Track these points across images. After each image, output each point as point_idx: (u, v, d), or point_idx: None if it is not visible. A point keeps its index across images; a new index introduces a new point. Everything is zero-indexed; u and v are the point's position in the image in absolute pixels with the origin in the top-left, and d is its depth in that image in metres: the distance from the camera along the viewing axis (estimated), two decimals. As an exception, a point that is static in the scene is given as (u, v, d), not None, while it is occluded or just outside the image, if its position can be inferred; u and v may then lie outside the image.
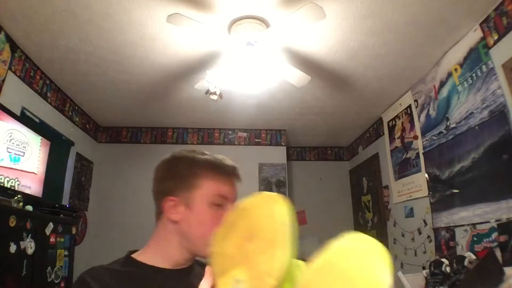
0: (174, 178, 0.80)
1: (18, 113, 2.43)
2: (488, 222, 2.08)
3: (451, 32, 2.33)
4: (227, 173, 0.80)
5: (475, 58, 2.26)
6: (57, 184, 3.09)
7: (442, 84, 2.64)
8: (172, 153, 0.83)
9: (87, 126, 3.76)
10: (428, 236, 2.80)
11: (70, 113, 3.34)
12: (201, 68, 2.71)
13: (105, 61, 2.66)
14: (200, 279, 0.61)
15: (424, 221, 2.88)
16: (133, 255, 0.80)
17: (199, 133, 4.23)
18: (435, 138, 2.73)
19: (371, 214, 4.09)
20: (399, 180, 3.37)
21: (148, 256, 0.79)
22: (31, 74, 2.65)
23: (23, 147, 2.29)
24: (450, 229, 2.48)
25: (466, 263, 1.81)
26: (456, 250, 2.38)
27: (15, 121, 2.23)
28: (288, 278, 0.51)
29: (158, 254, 0.79)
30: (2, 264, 1.65)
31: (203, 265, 0.82)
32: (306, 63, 2.66)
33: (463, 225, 2.33)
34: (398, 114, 3.38)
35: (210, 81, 2.46)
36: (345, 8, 2.08)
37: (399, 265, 3.24)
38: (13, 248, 1.71)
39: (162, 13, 2.08)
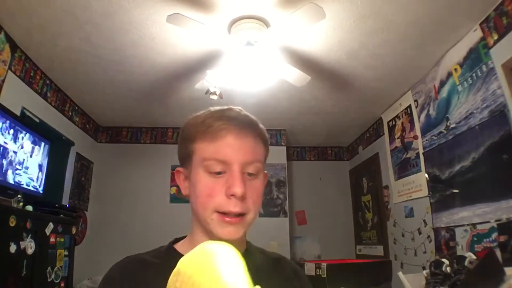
0: (180, 145, 0.69)
1: (18, 113, 2.42)
2: (488, 222, 2.08)
3: (451, 32, 2.33)
4: (228, 130, 0.62)
5: (475, 58, 2.26)
6: (57, 184, 3.08)
7: (442, 84, 2.64)
8: None
9: (87, 126, 3.76)
10: (428, 236, 2.80)
11: (70, 113, 3.34)
12: (201, 68, 2.70)
13: (105, 61, 2.66)
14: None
15: (424, 221, 2.88)
16: (176, 244, 0.70)
17: (199, 133, 4.22)
18: (435, 138, 2.73)
19: (371, 214, 4.09)
20: (399, 180, 3.37)
21: (185, 245, 0.69)
22: (31, 74, 2.65)
23: (23, 147, 2.29)
24: (450, 229, 2.48)
25: (466, 263, 1.80)
26: (456, 250, 2.38)
27: (15, 121, 2.23)
28: None
29: (190, 241, 0.68)
30: (2, 264, 1.65)
31: (279, 260, 0.74)
32: (306, 63, 2.66)
33: (463, 225, 2.33)
34: (398, 114, 3.38)
35: (210, 81, 2.46)
36: (345, 8, 2.08)
37: (399, 265, 3.24)
38: (13, 248, 1.71)
39: (162, 13, 2.08)
